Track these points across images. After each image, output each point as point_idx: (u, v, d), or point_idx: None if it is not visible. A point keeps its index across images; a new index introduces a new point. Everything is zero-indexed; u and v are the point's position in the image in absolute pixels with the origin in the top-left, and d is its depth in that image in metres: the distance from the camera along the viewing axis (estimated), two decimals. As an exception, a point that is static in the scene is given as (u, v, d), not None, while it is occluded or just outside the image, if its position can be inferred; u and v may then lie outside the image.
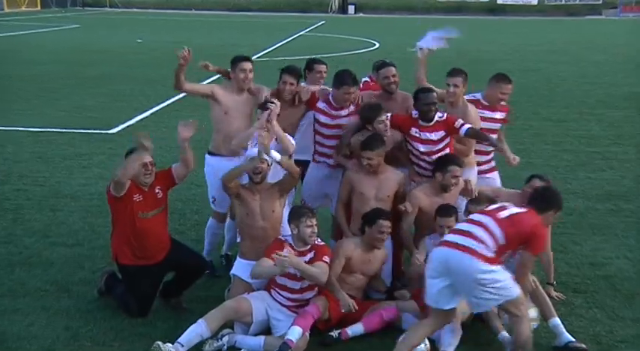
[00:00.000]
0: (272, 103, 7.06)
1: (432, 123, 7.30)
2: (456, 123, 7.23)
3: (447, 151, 7.33)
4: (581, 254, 8.33)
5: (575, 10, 69.72)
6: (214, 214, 7.89)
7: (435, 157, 7.28)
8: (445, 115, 7.38)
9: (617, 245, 8.73)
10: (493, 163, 8.07)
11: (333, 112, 7.60)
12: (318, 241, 6.61)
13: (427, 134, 7.29)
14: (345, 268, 6.78)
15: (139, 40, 35.08)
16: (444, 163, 7.07)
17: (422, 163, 7.42)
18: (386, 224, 6.80)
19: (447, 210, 6.87)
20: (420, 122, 7.33)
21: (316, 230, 6.50)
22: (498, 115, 7.89)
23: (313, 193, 7.84)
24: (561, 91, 20.70)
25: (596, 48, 33.80)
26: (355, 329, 6.46)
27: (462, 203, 7.17)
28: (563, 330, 6.33)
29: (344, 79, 7.48)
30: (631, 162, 12.33)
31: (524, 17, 65.58)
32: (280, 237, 6.68)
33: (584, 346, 6.27)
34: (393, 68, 7.76)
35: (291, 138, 7.24)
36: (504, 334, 6.28)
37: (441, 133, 7.29)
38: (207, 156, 7.71)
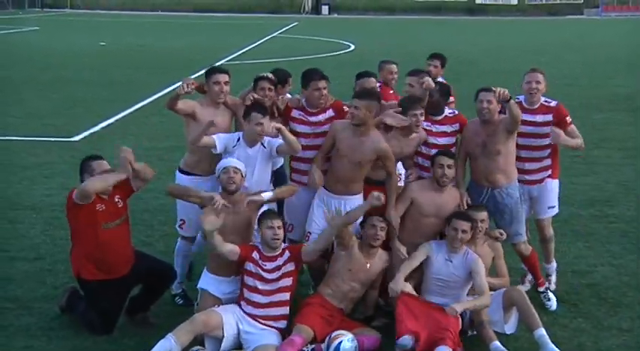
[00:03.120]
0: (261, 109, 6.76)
1: (442, 117, 7.16)
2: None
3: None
4: (564, 262, 8.15)
5: (556, 10, 70.07)
6: (182, 237, 7.35)
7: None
8: (457, 112, 7.28)
9: (601, 252, 8.62)
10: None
11: (311, 119, 7.09)
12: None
13: (438, 127, 7.12)
14: (345, 276, 6.54)
15: (103, 43, 34.67)
16: (434, 156, 6.89)
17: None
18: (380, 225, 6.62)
19: (466, 215, 6.61)
20: (430, 117, 7.14)
21: (279, 233, 6.25)
22: (539, 119, 7.22)
23: (302, 222, 7.16)
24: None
25: (578, 48, 33.85)
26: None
27: None
28: (548, 341, 6.20)
29: (310, 75, 7.10)
30: (615, 166, 12.18)
31: (503, 17, 65.89)
32: (250, 243, 6.52)
33: None
34: (373, 79, 7.67)
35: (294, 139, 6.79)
36: (497, 343, 6.19)
37: (456, 126, 7.15)
38: (178, 174, 7.17)
